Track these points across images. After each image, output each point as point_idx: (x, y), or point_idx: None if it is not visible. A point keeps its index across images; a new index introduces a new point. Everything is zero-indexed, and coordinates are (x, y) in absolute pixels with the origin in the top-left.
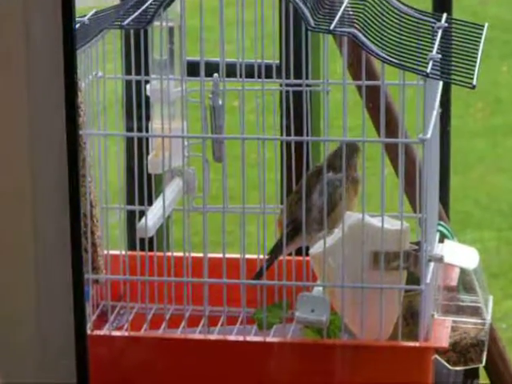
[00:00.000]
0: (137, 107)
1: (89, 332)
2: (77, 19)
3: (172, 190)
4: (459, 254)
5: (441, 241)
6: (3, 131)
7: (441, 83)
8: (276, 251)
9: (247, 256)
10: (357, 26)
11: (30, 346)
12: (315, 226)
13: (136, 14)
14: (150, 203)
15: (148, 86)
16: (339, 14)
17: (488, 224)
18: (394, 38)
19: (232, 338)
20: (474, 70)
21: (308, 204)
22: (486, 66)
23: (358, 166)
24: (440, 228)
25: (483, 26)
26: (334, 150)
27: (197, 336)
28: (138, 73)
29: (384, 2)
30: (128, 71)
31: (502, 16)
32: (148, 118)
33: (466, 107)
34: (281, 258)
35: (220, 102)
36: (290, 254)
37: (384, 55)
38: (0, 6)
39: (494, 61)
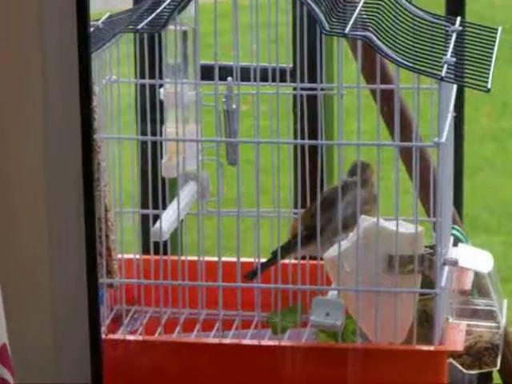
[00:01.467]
0: (151, 111)
1: (103, 336)
2: (91, 23)
3: (186, 193)
4: (473, 258)
5: (455, 244)
6: (19, 135)
7: (455, 87)
8: (281, 253)
9: (261, 260)
10: (371, 29)
11: (46, 350)
12: (331, 236)
13: (150, 17)
14: (164, 207)
15: (162, 90)
16: (353, 17)
17: (496, 228)
18: (408, 42)
19: (246, 341)
20: (488, 74)
21: (330, 214)
22: (494, 70)
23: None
24: (454, 232)
25: (497, 30)
26: (349, 169)
27: (211, 340)
28: (151, 77)
29: (398, 6)
30: (142, 75)
31: (510, 20)
32: (162, 122)
33: (474, 111)
34: (295, 261)
35: (234, 106)
36: (303, 258)
37: (398, 59)
38: (15, 9)
39: (501, 64)
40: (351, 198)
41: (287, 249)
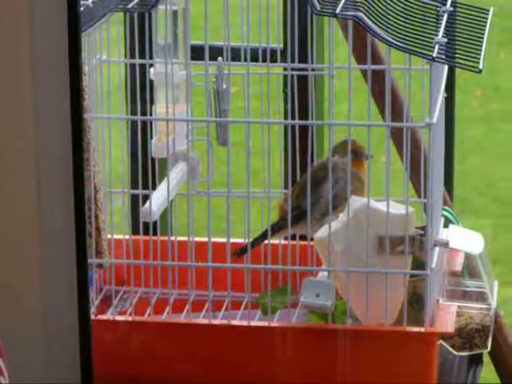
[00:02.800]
0: (141, 91)
1: (92, 316)
2: (81, 2)
3: (176, 174)
4: (464, 239)
5: (445, 226)
6: (8, 114)
7: (446, 67)
8: (270, 233)
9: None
10: (362, 9)
11: (35, 330)
12: (319, 216)
13: None
14: (154, 187)
15: (152, 70)
16: None
17: (485, 211)
18: (399, 22)
19: (236, 322)
20: (479, 55)
21: (316, 194)
22: (485, 53)
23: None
24: (445, 213)
25: (488, 10)
26: (332, 148)
27: (201, 321)
28: (142, 56)
29: None
30: (132, 55)
31: (500, 3)
32: (152, 102)
33: (463, 94)
34: (285, 242)
35: (224, 86)
36: (293, 238)
37: (389, 39)
38: None
39: (491, 48)
40: (335, 178)
41: (276, 227)
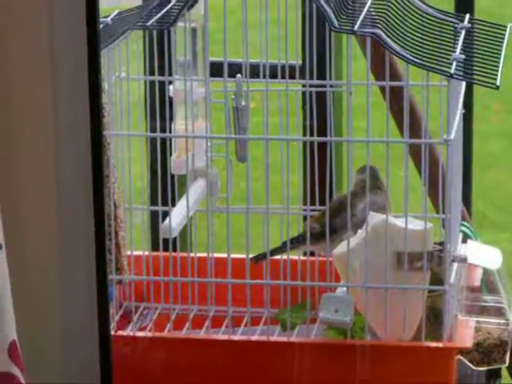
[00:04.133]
0: (160, 108)
1: (112, 332)
2: (101, 19)
3: (195, 190)
4: (482, 255)
5: (464, 241)
6: (29, 132)
7: (464, 84)
8: (291, 244)
9: (270, 257)
10: (380, 26)
11: (55, 347)
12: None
13: (159, 14)
14: (174, 204)
15: (171, 87)
16: (362, 14)
17: (503, 226)
18: (416, 39)
19: (255, 338)
20: (497, 71)
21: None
22: (503, 68)
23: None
24: (463, 228)
25: (506, 27)
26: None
27: (220, 336)
28: (161, 73)
29: (406, 3)
30: (151, 72)
31: None
32: (171, 119)
33: (482, 109)
34: (304, 258)
35: (243, 103)
36: (312, 255)
37: (407, 55)
38: (26, 7)
39: (509, 62)
40: (369, 201)
41: (297, 241)
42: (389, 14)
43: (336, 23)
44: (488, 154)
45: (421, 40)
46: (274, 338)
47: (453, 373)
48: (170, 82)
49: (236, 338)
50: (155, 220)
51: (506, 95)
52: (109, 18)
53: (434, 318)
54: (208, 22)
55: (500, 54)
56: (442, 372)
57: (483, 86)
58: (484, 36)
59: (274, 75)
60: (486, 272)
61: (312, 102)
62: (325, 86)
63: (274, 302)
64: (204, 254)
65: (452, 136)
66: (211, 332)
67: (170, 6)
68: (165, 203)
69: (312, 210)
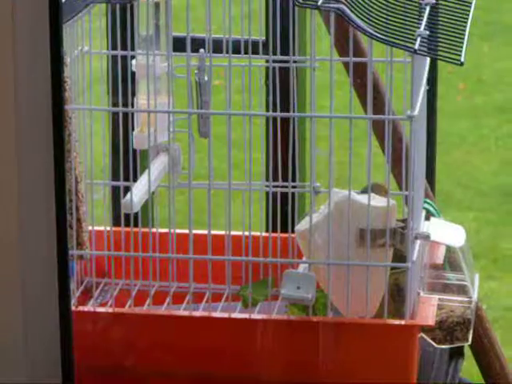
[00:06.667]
0: (122, 82)
1: (73, 308)
2: None
3: (157, 165)
4: (445, 232)
5: (427, 218)
6: None
7: (428, 60)
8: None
9: (232, 233)
10: (344, 2)
11: (15, 322)
12: None
13: None
14: (135, 179)
15: (133, 62)
16: None
17: (468, 204)
18: (381, 15)
19: (217, 314)
20: (461, 47)
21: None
22: (468, 47)
23: None
24: (426, 205)
25: (470, 3)
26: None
27: (181, 313)
28: (123, 48)
29: None
30: (114, 46)
31: None
32: (133, 94)
33: (447, 88)
34: (266, 234)
35: (206, 78)
36: (275, 231)
37: (372, 31)
38: None
39: (475, 41)
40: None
41: None
42: None
43: None
44: (453, 134)
45: (385, 16)
46: (235, 315)
47: (415, 351)
48: (133, 57)
49: (197, 314)
50: (117, 195)
51: (472, 74)
52: None
53: (397, 295)
54: None
55: (464, 31)
56: (404, 350)
57: (447, 62)
58: (449, 12)
59: (237, 51)
60: (449, 249)
61: (275, 78)
62: (288, 62)
63: (236, 278)
64: (166, 230)
65: (416, 112)
66: (172, 308)
67: None
68: (126, 178)
69: (274, 186)
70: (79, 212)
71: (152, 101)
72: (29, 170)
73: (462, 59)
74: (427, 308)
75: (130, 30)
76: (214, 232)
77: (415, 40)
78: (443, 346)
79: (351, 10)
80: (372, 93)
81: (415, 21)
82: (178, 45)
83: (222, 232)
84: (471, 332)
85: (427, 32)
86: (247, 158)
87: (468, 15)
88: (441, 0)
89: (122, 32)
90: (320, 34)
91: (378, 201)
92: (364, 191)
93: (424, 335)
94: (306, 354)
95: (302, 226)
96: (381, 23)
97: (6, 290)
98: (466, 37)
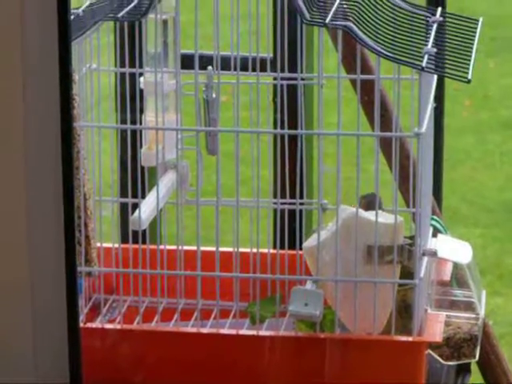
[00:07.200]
0: (130, 100)
1: (81, 325)
2: (72, 11)
3: (165, 183)
4: (453, 249)
5: (434, 235)
6: None
7: (435, 77)
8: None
9: (240, 250)
10: (352, 19)
11: (24, 339)
12: None
13: (130, 6)
14: (143, 196)
15: (142, 79)
16: (334, 7)
17: (474, 220)
18: (388, 32)
19: (224, 331)
20: (468, 65)
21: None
22: (474, 63)
23: None
24: (433, 222)
25: (478, 21)
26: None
27: (189, 329)
28: (131, 65)
29: None
30: (122, 64)
31: (490, 12)
32: (141, 111)
33: (453, 104)
34: (274, 251)
35: (214, 95)
36: (282, 248)
37: (379, 49)
38: None
39: (481, 57)
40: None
41: None
42: (360, 7)
43: (307, 16)
44: (459, 150)
45: (392, 33)
46: (243, 332)
47: (422, 367)
48: (141, 74)
49: (205, 331)
50: (125, 212)
51: (478, 90)
52: (80, 9)
53: (404, 311)
54: (179, 13)
55: (472, 48)
56: (411, 366)
57: (455, 80)
58: (456, 30)
59: (245, 68)
60: (456, 266)
61: (283, 96)
62: (296, 79)
63: (244, 295)
64: (174, 247)
65: (423, 129)
66: (180, 325)
67: None
68: (135, 195)
69: (282, 203)
70: (88, 229)
71: (160, 118)
72: (37, 187)
73: (470, 76)
74: (434, 325)
75: (138, 48)
76: (221, 249)
77: (422, 57)
78: (450, 363)
79: (359, 28)
80: (379, 110)
81: (422, 38)
82: (186, 62)
83: (230, 249)
84: (478, 348)
85: (434, 49)
86: (255, 174)
87: (475, 33)
88: (448, 18)
89: (130, 49)
90: (327, 51)
91: (385, 218)
92: (367, 198)
93: (431, 352)
94: (313, 370)
95: (309, 242)
96: (388, 41)
97: (16, 307)
98: (473, 54)
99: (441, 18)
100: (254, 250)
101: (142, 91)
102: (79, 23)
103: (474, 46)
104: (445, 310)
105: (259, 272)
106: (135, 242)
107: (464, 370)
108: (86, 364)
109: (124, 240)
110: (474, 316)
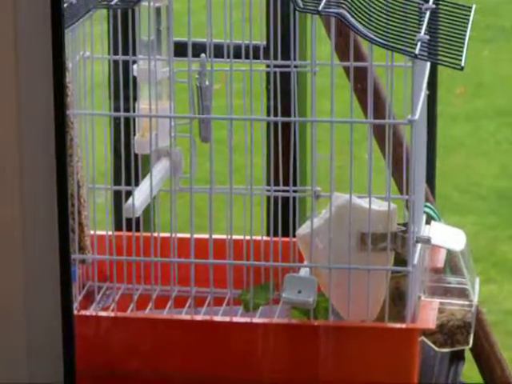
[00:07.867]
0: (124, 87)
1: (75, 312)
2: None
3: (159, 170)
4: (446, 236)
5: (427, 222)
6: None
7: (428, 65)
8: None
9: (233, 237)
10: (345, 7)
11: (17, 325)
12: None
13: None
14: (137, 184)
15: (135, 67)
16: None
17: (468, 208)
18: (381, 20)
19: (218, 318)
20: (462, 52)
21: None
22: (468, 50)
23: None
24: (427, 210)
25: (471, 8)
26: None
27: (183, 316)
28: (125, 53)
29: None
30: (115, 51)
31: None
32: (135, 99)
33: (447, 91)
34: (267, 238)
35: (207, 83)
36: (276, 235)
37: (372, 36)
38: None
39: (475, 45)
40: None
41: None
42: None
43: (300, 3)
44: (452, 137)
45: (386, 21)
46: (236, 319)
47: (416, 354)
48: (134, 62)
49: (199, 318)
50: (118, 200)
51: (471, 78)
52: None
53: (398, 299)
54: (172, 1)
55: (465, 35)
56: (404, 353)
57: (448, 67)
58: (449, 17)
59: (238, 56)
60: (449, 253)
61: (276, 83)
62: (289, 67)
63: (237, 282)
64: (167, 234)
65: (416, 116)
66: (174, 312)
67: None
68: (128, 183)
69: (275, 191)
70: (81, 216)
71: (153, 106)
72: (31, 175)
73: (463, 64)
74: (428, 312)
75: (132, 35)
76: (215, 236)
77: (415, 45)
78: (444, 350)
79: (352, 15)
80: (372, 97)
81: (415, 25)
82: (179, 50)
83: (223, 236)
84: (472, 335)
85: (427, 37)
86: (248, 162)
87: (468, 20)
88: (441, 5)
89: (123, 37)
90: (320, 39)
91: (378, 205)
92: None
93: (425, 339)
94: (307, 357)
95: (303, 230)
96: (381, 28)
97: (9, 294)
98: (466, 41)
99: (433, 5)
100: (248, 238)
101: (135, 79)
102: (73, 11)
103: (467, 33)
104: (438, 297)
105: (253, 259)
106: (129, 229)
107: (457, 357)
108: (79, 352)
109: (118, 227)
110: (467, 303)
